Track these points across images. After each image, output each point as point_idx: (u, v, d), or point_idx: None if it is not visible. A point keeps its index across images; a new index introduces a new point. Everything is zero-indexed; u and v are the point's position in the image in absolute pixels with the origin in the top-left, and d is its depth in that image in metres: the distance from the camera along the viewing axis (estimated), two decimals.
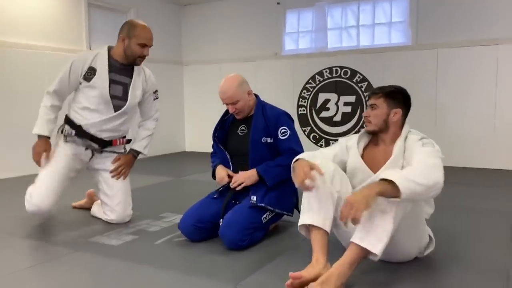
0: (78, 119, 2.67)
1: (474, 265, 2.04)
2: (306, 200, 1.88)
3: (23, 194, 2.60)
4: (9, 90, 4.47)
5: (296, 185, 1.86)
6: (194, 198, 2.59)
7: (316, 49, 5.71)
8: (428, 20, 5.01)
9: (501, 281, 1.85)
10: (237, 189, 2.41)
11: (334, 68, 5.58)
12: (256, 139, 2.45)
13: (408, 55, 5.14)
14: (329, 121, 5.68)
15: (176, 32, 6.64)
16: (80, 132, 2.66)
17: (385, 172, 1.70)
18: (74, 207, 3.14)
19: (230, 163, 2.52)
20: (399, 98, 2.04)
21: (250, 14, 6.09)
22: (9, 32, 4.49)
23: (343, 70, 5.53)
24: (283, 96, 5.79)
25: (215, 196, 2.48)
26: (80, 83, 2.63)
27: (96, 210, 2.88)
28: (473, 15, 4.76)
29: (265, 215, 2.34)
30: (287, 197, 2.48)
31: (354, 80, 5.48)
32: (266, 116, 2.47)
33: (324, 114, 5.71)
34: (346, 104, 5.56)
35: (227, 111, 2.56)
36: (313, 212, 1.85)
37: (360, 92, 5.45)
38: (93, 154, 2.73)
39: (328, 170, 1.89)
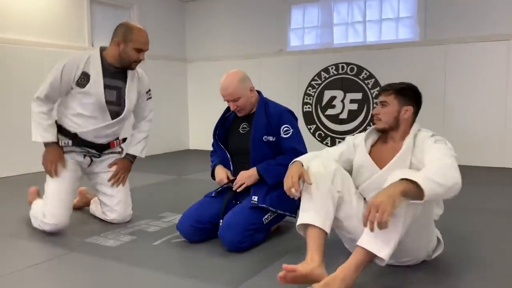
0: (73, 127, 2.54)
1: (486, 267, 1.97)
2: (306, 199, 1.82)
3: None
4: (9, 87, 4.43)
5: (284, 190, 1.84)
6: (196, 198, 2.51)
7: (322, 45, 5.64)
8: (436, 15, 4.91)
9: None
10: (238, 190, 2.34)
11: (340, 65, 5.50)
12: (257, 137, 2.37)
13: (416, 51, 5.04)
14: (335, 119, 5.60)
15: (179, 29, 6.58)
16: (77, 141, 2.56)
17: (406, 172, 1.63)
18: None
19: (230, 162, 2.44)
20: (410, 95, 1.99)
21: (255, 10, 6.03)
22: (9, 28, 4.45)
23: (349, 67, 5.45)
24: (288, 94, 5.72)
25: (213, 195, 2.41)
26: (72, 88, 2.49)
27: (94, 208, 2.83)
28: (483, 10, 4.65)
29: (266, 216, 2.26)
30: (289, 197, 2.39)
31: (361, 77, 5.39)
32: (268, 114, 2.40)
33: (329, 111, 5.63)
34: (352, 101, 5.48)
35: (228, 108, 2.48)
36: (313, 212, 1.79)
37: (367, 89, 5.36)
38: (92, 160, 2.66)
39: (329, 170, 1.85)
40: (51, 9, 4.84)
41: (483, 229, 2.56)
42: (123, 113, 2.59)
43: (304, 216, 1.80)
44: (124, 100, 2.60)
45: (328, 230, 1.78)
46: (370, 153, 2.01)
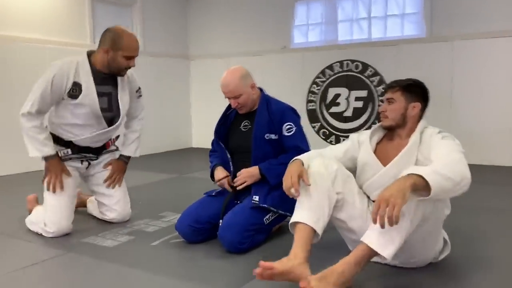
0: (67, 135, 2.48)
1: (493, 268, 1.92)
2: (303, 199, 1.77)
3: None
4: (10, 84, 4.39)
5: (283, 189, 1.79)
6: (197, 197, 2.44)
7: (326, 42, 5.57)
8: (443, 11, 4.81)
9: None
10: (238, 188, 2.28)
11: (344, 62, 5.42)
12: (259, 135, 2.31)
13: (422, 48, 4.94)
14: (339, 116, 5.53)
15: (181, 26, 6.51)
16: (74, 148, 2.49)
17: (411, 168, 1.57)
18: None
19: (231, 162, 2.38)
20: (417, 91, 1.96)
21: (258, 7, 5.96)
22: (10, 25, 4.42)
23: (354, 64, 5.37)
24: (292, 91, 5.65)
25: (213, 194, 2.35)
26: (63, 99, 2.38)
27: (92, 208, 2.78)
28: (491, 5, 4.54)
29: (267, 216, 2.20)
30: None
31: (366, 74, 5.31)
32: (270, 111, 2.34)
33: (334, 109, 5.55)
34: (357, 99, 5.39)
35: (229, 106, 2.42)
36: (306, 211, 1.73)
37: (372, 87, 5.28)
38: (89, 164, 2.61)
39: (330, 170, 1.80)
40: (53, 6, 4.80)
41: (491, 228, 2.50)
42: (119, 120, 2.54)
43: (297, 214, 1.75)
44: (117, 105, 2.52)
45: (319, 231, 1.73)
46: (375, 151, 1.97)
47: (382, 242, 1.54)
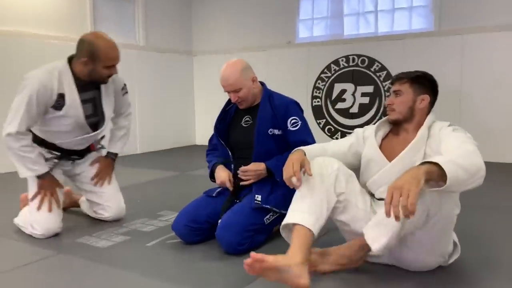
0: (50, 138, 2.40)
1: (503, 269, 1.83)
2: (301, 198, 1.68)
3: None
4: (9, 79, 4.33)
5: (283, 178, 1.69)
6: (198, 195, 2.34)
7: (332, 36, 5.47)
8: (452, 4, 4.69)
9: None
10: (242, 183, 2.18)
11: (350, 57, 5.32)
12: (262, 130, 2.21)
13: (430, 42, 4.82)
14: (345, 113, 5.43)
15: (185, 21, 6.43)
16: (57, 150, 2.43)
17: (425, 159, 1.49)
18: None
19: (232, 160, 2.28)
20: (425, 83, 1.88)
21: (263, 1, 5.87)
22: (10, 20, 4.36)
23: (360, 59, 5.26)
24: (297, 87, 5.57)
25: (213, 195, 2.25)
26: (47, 112, 2.29)
27: (86, 208, 2.70)
28: None
29: (268, 216, 2.11)
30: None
31: (372, 69, 5.20)
32: (273, 106, 2.25)
33: (340, 105, 5.45)
34: (363, 94, 5.30)
35: (229, 101, 2.32)
36: (307, 214, 1.64)
37: (379, 82, 5.17)
38: (73, 160, 2.54)
39: (331, 171, 1.70)
40: (53, 1, 4.74)
41: (501, 229, 2.40)
42: (104, 125, 2.47)
43: (297, 215, 1.65)
44: (102, 110, 2.45)
45: (316, 232, 1.64)
46: (380, 146, 1.89)
47: (374, 233, 1.50)
